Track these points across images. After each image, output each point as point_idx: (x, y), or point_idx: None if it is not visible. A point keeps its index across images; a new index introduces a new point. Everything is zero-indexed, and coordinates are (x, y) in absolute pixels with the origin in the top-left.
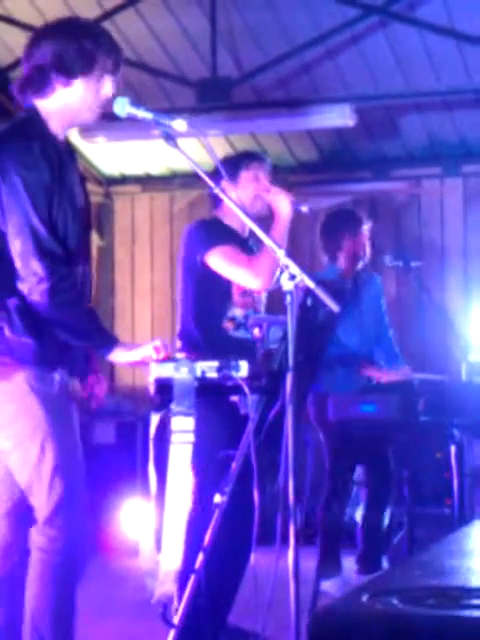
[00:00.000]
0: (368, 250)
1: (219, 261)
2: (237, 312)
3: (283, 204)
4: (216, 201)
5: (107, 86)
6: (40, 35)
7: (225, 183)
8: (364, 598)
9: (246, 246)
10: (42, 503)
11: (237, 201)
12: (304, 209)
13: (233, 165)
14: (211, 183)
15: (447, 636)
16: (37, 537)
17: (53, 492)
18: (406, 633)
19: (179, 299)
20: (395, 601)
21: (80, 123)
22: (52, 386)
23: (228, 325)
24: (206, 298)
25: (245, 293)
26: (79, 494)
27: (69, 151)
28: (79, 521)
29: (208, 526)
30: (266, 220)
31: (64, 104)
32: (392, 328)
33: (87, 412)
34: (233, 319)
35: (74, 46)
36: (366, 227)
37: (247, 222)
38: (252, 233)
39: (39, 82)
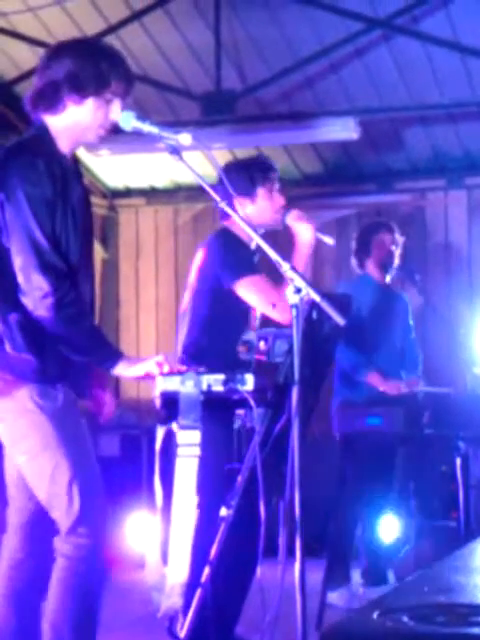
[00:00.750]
0: (396, 260)
1: (250, 293)
2: (251, 336)
3: (306, 232)
4: (224, 212)
5: (116, 110)
6: (57, 51)
7: (239, 200)
8: (374, 615)
9: (254, 258)
10: (62, 515)
11: (253, 216)
12: (328, 241)
13: (249, 180)
14: (217, 197)
15: None
16: (62, 545)
17: (72, 503)
18: None
19: (190, 311)
20: (405, 619)
21: (85, 143)
22: (57, 401)
23: (242, 349)
24: (224, 321)
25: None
26: (99, 502)
27: (75, 168)
28: (102, 529)
29: (214, 539)
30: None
31: (74, 122)
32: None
33: (92, 425)
34: (247, 343)
35: (90, 66)
36: (396, 236)
37: (255, 238)
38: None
39: (51, 98)
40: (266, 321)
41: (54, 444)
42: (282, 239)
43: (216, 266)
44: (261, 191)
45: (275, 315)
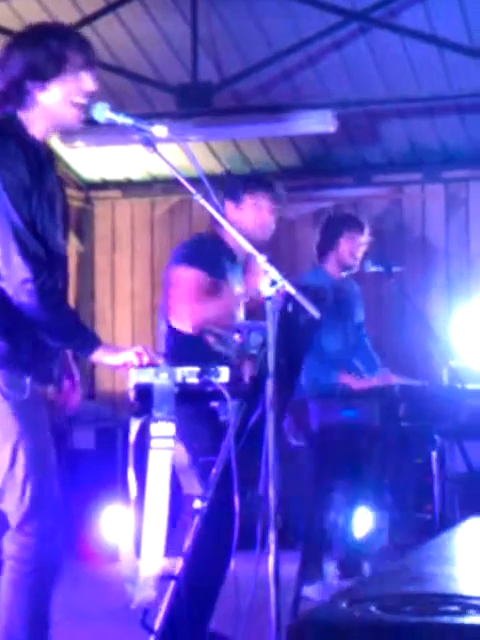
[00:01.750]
0: (358, 261)
1: (174, 279)
2: (220, 330)
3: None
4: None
5: (87, 82)
6: (8, 49)
7: (227, 202)
8: (343, 605)
9: (233, 264)
10: (14, 509)
11: (238, 223)
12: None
13: (238, 185)
14: (192, 190)
15: None
16: (9, 545)
17: (24, 498)
18: None
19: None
20: (374, 608)
21: (63, 125)
22: (23, 392)
23: (209, 339)
24: None
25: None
26: (51, 501)
27: (49, 155)
28: (50, 528)
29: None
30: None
31: (44, 109)
32: (371, 334)
33: (64, 418)
34: (216, 334)
35: (41, 50)
36: (364, 238)
37: (236, 236)
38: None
39: (18, 95)
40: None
41: (15, 436)
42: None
43: (171, 257)
44: (247, 199)
45: (177, 316)
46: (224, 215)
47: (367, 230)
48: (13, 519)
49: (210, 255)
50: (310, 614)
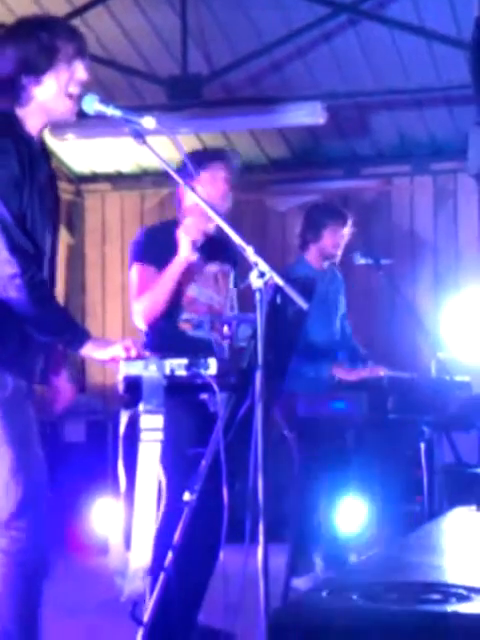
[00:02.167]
0: (340, 252)
1: (131, 280)
2: (192, 315)
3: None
4: (177, 202)
5: (79, 71)
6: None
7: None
8: (324, 594)
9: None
10: (2, 505)
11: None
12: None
13: (196, 162)
14: (180, 181)
15: (405, 631)
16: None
17: (12, 494)
18: (365, 628)
19: None
20: (355, 597)
21: (58, 118)
22: (5, 389)
23: (185, 326)
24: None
25: (193, 301)
26: (39, 495)
27: (43, 150)
28: (40, 522)
29: (177, 524)
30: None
31: (39, 103)
32: (360, 326)
33: (53, 414)
34: (189, 320)
35: (33, 43)
36: (347, 230)
37: (215, 218)
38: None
39: (13, 91)
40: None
41: (0, 434)
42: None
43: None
44: (203, 174)
45: (135, 311)
46: (182, 200)
47: (350, 221)
48: (2, 516)
49: (162, 246)
50: (292, 603)
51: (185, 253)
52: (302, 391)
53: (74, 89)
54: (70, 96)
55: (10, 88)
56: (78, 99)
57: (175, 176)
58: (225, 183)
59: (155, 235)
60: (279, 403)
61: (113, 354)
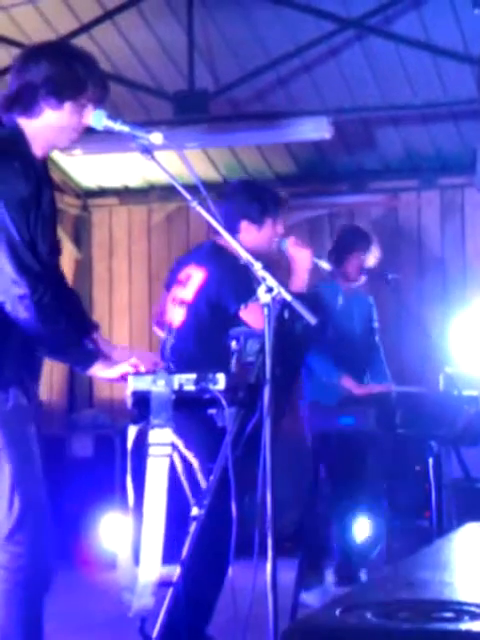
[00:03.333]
0: (362, 276)
1: (251, 317)
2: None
3: (304, 258)
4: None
5: (89, 116)
6: (34, 54)
7: (246, 224)
8: (337, 612)
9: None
10: (3, 519)
11: (252, 242)
12: (325, 266)
13: (261, 209)
14: (188, 196)
15: None
16: (0, 555)
17: (12, 509)
18: None
19: (183, 326)
20: (368, 615)
21: (57, 147)
22: (5, 404)
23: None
24: (221, 337)
25: None
26: (39, 510)
27: (45, 172)
28: (41, 537)
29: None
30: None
31: (49, 126)
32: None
33: (67, 425)
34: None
35: (68, 70)
36: (372, 254)
37: (234, 244)
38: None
39: (28, 101)
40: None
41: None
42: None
43: (223, 293)
44: (269, 221)
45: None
46: (239, 231)
47: (375, 248)
48: (2, 530)
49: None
50: (304, 620)
51: (307, 263)
52: (311, 406)
53: (78, 128)
54: (75, 131)
55: (28, 97)
56: (78, 135)
57: (183, 191)
58: (281, 230)
59: (241, 273)
60: (302, 415)
61: (121, 372)
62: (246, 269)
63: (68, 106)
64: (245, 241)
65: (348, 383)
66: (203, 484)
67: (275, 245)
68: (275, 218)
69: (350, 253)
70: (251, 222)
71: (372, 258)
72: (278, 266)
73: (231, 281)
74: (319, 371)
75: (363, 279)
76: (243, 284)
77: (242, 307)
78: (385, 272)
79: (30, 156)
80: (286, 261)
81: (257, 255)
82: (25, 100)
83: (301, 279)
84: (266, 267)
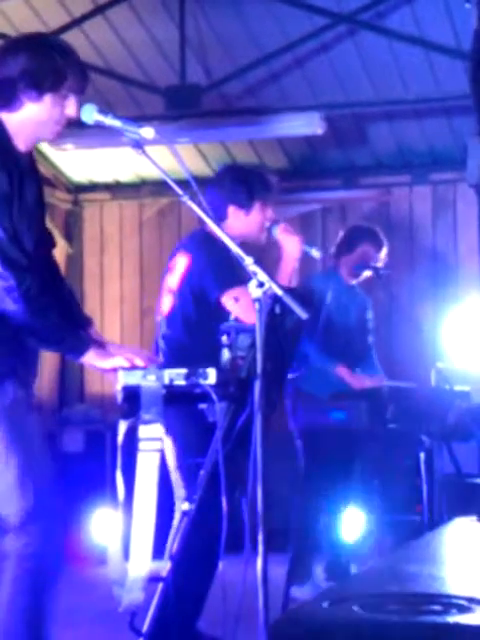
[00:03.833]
0: (366, 272)
1: (235, 307)
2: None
3: (293, 246)
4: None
5: (71, 106)
6: (12, 47)
7: (233, 209)
8: (325, 605)
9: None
10: (12, 511)
11: (242, 227)
12: (315, 254)
13: (248, 193)
14: (179, 191)
15: None
16: (10, 544)
17: (22, 499)
18: (365, 639)
19: (171, 315)
20: (356, 608)
21: (41, 140)
22: (5, 397)
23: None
24: (209, 324)
25: None
26: (49, 500)
27: (31, 166)
28: (51, 526)
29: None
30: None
31: (30, 119)
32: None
33: (57, 421)
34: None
35: (47, 62)
36: (381, 254)
37: (224, 238)
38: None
39: (8, 95)
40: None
41: (3, 441)
42: (270, 246)
43: (205, 278)
44: (257, 205)
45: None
46: (226, 217)
47: (384, 251)
48: (13, 521)
49: (233, 265)
50: (292, 613)
51: (296, 251)
52: (303, 400)
53: (61, 120)
54: (58, 123)
55: (7, 90)
56: (61, 127)
57: (174, 186)
58: (271, 213)
59: (224, 258)
60: (289, 410)
61: (114, 364)
62: (230, 256)
63: (48, 98)
64: (234, 227)
65: (343, 372)
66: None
67: (265, 233)
68: (264, 202)
69: (365, 243)
70: (239, 207)
71: (379, 257)
72: (267, 255)
73: (212, 267)
74: (314, 358)
75: (365, 275)
76: (224, 270)
77: (223, 294)
78: (377, 267)
79: (11, 150)
80: (277, 250)
81: (247, 242)
82: (5, 94)
83: (290, 267)
84: (257, 262)
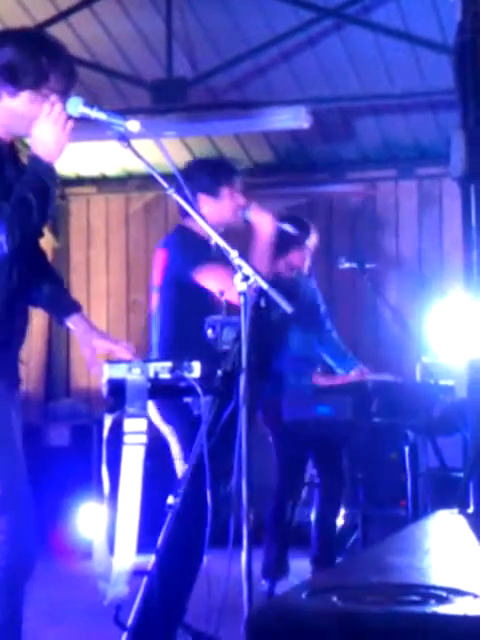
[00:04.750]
0: (307, 264)
1: (208, 279)
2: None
3: (266, 224)
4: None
5: (54, 106)
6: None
7: (203, 197)
8: (303, 595)
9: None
10: None
11: (214, 214)
12: (288, 229)
13: (213, 179)
14: (165, 184)
15: (384, 632)
16: None
17: None
18: (343, 630)
19: (159, 310)
20: (334, 598)
21: (20, 134)
22: None
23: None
24: (192, 313)
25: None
26: (20, 496)
27: (13, 154)
28: (22, 523)
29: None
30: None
31: (6, 111)
32: (345, 330)
33: (42, 415)
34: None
35: (29, 59)
36: (312, 242)
37: (208, 230)
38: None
39: None
40: (232, 306)
41: None
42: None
43: (177, 263)
44: (225, 191)
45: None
46: (199, 208)
47: (314, 234)
48: None
49: (205, 248)
50: (270, 604)
51: (270, 229)
52: (286, 396)
53: (61, 119)
54: (34, 120)
55: None
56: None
57: (160, 180)
58: (240, 196)
59: (192, 239)
60: (263, 409)
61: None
62: (201, 240)
63: (25, 95)
64: (206, 214)
65: (319, 380)
66: None
67: (239, 216)
68: (231, 187)
69: (290, 249)
70: (207, 194)
71: (312, 248)
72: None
73: (182, 251)
74: (286, 375)
75: (307, 267)
76: (192, 250)
77: (196, 272)
78: (362, 262)
79: None
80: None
81: (223, 228)
82: None
83: (264, 246)
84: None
